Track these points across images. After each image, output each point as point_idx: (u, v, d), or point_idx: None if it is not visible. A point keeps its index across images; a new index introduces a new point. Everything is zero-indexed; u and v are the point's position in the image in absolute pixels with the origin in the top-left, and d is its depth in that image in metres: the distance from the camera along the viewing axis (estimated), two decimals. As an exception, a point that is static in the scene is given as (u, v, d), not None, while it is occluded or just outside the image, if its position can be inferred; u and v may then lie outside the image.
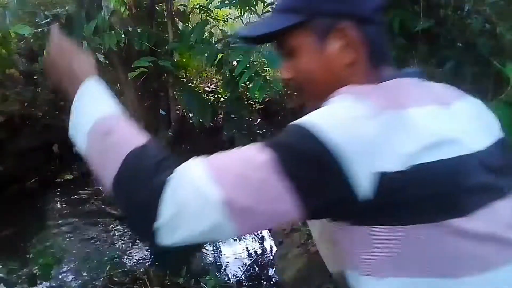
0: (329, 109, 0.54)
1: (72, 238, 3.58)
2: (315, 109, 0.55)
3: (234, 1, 2.70)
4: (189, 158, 0.59)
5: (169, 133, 3.64)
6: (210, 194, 0.52)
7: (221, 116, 3.87)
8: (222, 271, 3.17)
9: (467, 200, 0.51)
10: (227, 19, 4.22)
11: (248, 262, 3.33)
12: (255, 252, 3.49)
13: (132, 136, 0.61)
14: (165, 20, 3.32)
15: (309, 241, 2.54)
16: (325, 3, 0.61)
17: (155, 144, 0.61)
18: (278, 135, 0.55)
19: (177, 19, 3.47)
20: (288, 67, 0.67)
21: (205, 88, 4.37)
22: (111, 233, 3.67)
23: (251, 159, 0.53)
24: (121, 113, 0.65)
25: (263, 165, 0.51)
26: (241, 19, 3.46)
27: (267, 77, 2.80)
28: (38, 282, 2.50)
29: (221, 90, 4.05)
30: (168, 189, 0.53)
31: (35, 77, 4.43)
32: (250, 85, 2.74)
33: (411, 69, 0.65)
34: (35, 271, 2.56)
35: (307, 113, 0.55)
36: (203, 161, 0.57)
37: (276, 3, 0.66)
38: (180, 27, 3.45)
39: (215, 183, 0.52)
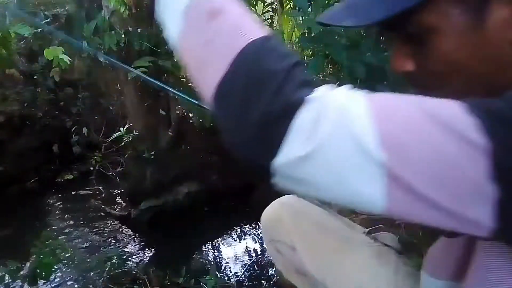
0: None
1: (72, 238, 3.58)
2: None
3: (234, 1, 2.69)
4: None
5: (169, 133, 3.63)
6: (373, 153, 0.36)
7: (221, 116, 3.87)
8: (222, 271, 3.17)
9: None
10: (227, 19, 4.21)
11: (248, 262, 3.33)
12: (255, 252, 3.49)
13: (249, 24, 0.43)
14: (165, 20, 3.31)
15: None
16: None
17: (279, 41, 0.44)
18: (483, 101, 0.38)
19: (177, 19, 3.47)
20: (410, 56, 0.48)
21: (205, 88, 4.37)
22: (111, 233, 3.67)
23: (445, 121, 0.36)
24: None
25: (460, 133, 0.35)
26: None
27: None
28: (38, 281, 2.50)
29: (221, 90, 4.05)
30: (306, 115, 0.36)
31: (35, 77, 4.42)
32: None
33: None
34: (35, 271, 2.56)
35: None
36: (365, 97, 0.39)
37: None
38: (180, 27, 3.44)
39: (381, 141, 0.35)
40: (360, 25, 0.47)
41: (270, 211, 1.05)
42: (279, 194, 1.84)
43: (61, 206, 4.14)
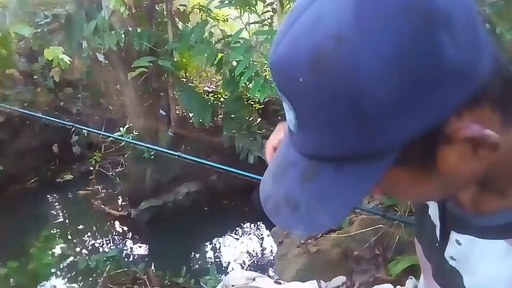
0: None
1: (72, 238, 3.58)
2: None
3: (234, 1, 2.70)
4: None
5: (169, 133, 3.64)
6: None
7: (221, 116, 3.87)
8: (222, 271, 3.17)
9: None
10: (227, 19, 4.21)
11: (248, 262, 3.33)
12: (255, 252, 3.49)
13: None
14: (165, 20, 3.31)
15: (309, 241, 2.54)
16: (409, 115, 0.36)
17: None
18: None
19: (177, 19, 3.47)
20: (380, 191, 0.49)
21: (205, 88, 4.36)
22: (111, 233, 3.67)
23: None
24: None
25: None
26: (241, 19, 3.46)
27: (267, 77, 2.79)
28: (39, 281, 2.51)
29: (221, 90, 4.04)
30: None
31: (35, 77, 4.43)
32: (250, 85, 2.74)
33: None
34: (35, 271, 2.57)
35: None
36: None
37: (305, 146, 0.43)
38: (180, 27, 3.44)
39: None
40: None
41: None
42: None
43: (61, 206, 4.14)
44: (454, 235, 0.53)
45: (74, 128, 3.95)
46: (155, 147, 2.47)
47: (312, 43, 0.36)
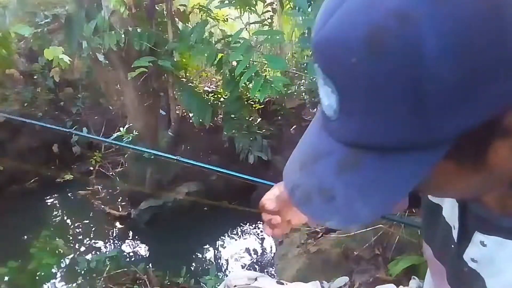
0: None
1: (72, 238, 3.58)
2: None
3: (234, 1, 2.70)
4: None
5: (169, 133, 3.64)
6: None
7: (221, 116, 3.87)
8: (222, 271, 3.17)
9: None
10: (227, 19, 4.21)
11: (248, 262, 3.33)
12: (255, 251, 3.49)
13: None
14: (165, 20, 3.32)
15: (309, 241, 2.54)
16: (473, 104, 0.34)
17: None
18: None
19: (177, 19, 3.47)
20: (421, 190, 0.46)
21: (205, 88, 4.37)
22: (111, 233, 3.67)
23: None
24: None
25: None
26: (241, 19, 3.46)
27: (267, 77, 2.80)
28: (38, 281, 2.50)
29: (221, 90, 4.04)
30: None
31: (35, 77, 4.43)
32: (250, 85, 2.74)
33: None
34: (35, 271, 2.56)
35: None
36: None
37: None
38: (180, 27, 3.44)
39: None
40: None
41: None
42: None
43: (61, 206, 4.14)
44: (478, 236, 0.50)
45: (74, 128, 3.96)
46: (153, 151, 2.45)
47: (371, 20, 0.33)
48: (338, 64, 0.35)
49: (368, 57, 0.33)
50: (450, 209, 0.58)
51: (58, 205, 4.16)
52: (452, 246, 0.56)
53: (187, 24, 3.53)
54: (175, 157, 1.94)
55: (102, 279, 2.67)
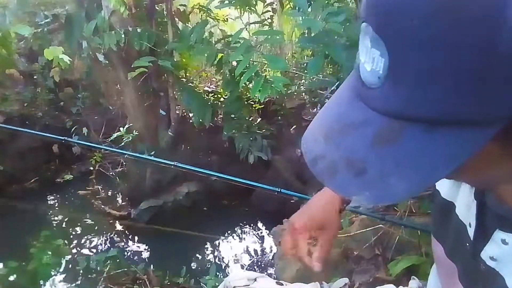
0: None
1: (71, 238, 3.58)
2: None
3: (234, 1, 2.69)
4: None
5: (169, 133, 3.63)
6: None
7: (221, 116, 3.87)
8: (222, 271, 3.17)
9: None
10: (227, 19, 4.21)
11: (248, 262, 3.33)
12: (255, 251, 3.49)
13: None
14: (165, 20, 3.31)
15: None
16: None
17: None
18: None
19: (177, 19, 3.47)
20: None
21: (205, 88, 4.37)
22: (111, 233, 3.67)
23: None
24: None
25: None
26: (241, 19, 3.46)
27: (267, 77, 2.79)
28: (39, 281, 2.50)
29: (221, 90, 4.04)
30: None
31: (35, 77, 4.43)
32: (250, 85, 2.74)
33: None
34: (35, 271, 2.56)
35: None
36: None
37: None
38: (180, 27, 3.44)
39: None
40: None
41: None
42: (278, 194, 1.83)
43: (61, 206, 4.14)
44: (499, 234, 0.48)
45: (74, 128, 3.96)
46: (150, 158, 2.44)
47: None
48: (396, 24, 0.32)
49: (434, 19, 0.30)
50: (464, 207, 0.56)
51: (58, 205, 4.16)
52: (467, 244, 0.54)
53: (187, 24, 3.53)
54: (173, 163, 1.90)
55: (102, 279, 2.67)
